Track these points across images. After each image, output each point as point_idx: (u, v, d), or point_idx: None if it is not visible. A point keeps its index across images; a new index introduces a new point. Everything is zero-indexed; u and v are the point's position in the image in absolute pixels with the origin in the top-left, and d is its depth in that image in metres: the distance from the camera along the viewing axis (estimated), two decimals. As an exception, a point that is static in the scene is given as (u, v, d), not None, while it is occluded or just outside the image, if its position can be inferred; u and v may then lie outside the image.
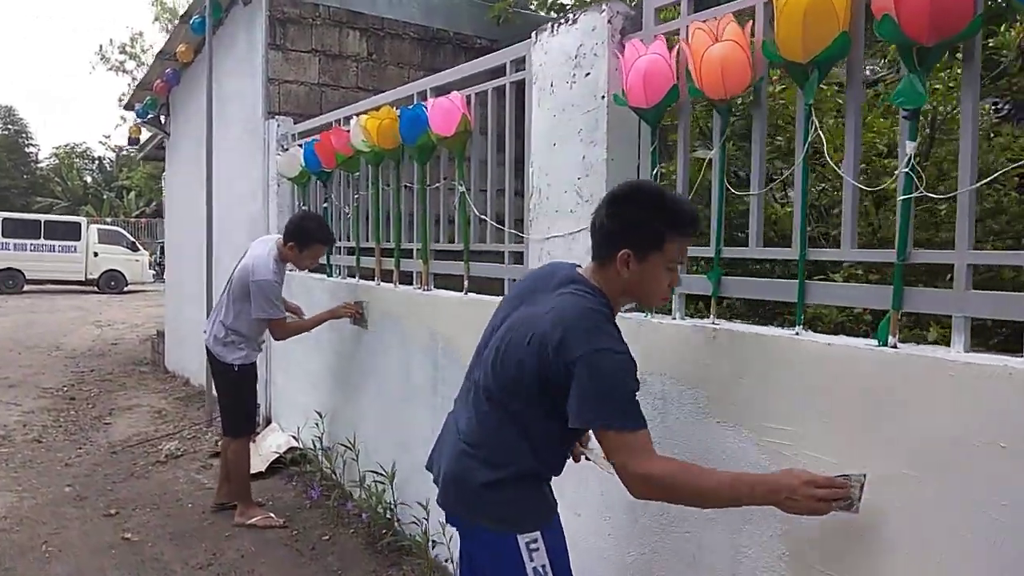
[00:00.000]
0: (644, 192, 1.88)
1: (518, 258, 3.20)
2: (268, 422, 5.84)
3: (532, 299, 1.97)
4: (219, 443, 5.36)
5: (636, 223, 1.83)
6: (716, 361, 2.17)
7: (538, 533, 1.95)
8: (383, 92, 6.31)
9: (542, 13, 6.53)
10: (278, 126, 5.63)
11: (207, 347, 4.12)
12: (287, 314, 4.23)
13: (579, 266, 2.04)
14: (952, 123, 2.92)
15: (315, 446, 4.71)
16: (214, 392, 4.50)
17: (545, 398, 1.86)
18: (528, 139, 2.99)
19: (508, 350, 1.91)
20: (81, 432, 6.25)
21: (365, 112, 4.13)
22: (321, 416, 4.73)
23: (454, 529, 2.14)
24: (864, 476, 1.67)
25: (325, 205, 4.92)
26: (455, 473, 2.01)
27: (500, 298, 3.28)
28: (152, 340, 10.35)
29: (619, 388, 1.75)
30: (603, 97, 2.58)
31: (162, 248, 25.98)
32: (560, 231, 2.78)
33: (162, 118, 8.81)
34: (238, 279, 4.01)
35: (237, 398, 4.15)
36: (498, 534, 1.96)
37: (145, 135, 9.79)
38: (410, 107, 3.65)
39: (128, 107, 9.31)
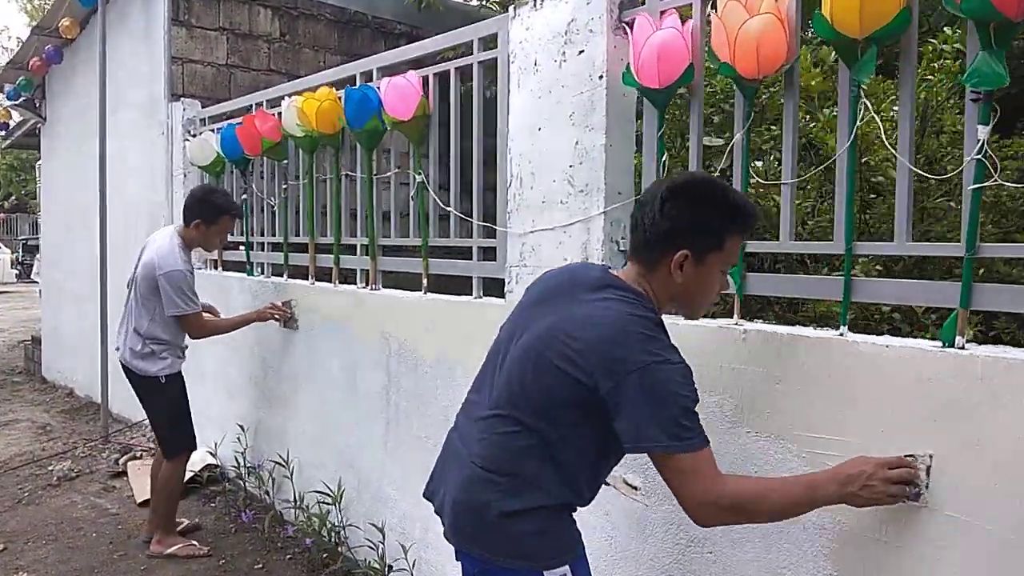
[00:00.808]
0: (704, 185, 1.66)
1: (489, 254, 2.94)
2: (175, 436, 5.30)
3: (556, 306, 1.72)
4: (121, 461, 4.83)
5: (697, 220, 1.61)
6: (746, 365, 1.99)
7: (567, 568, 1.71)
8: (297, 76, 5.92)
9: (472, 1, 6.24)
10: (184, 109, 5.11)
11: (123, 363, 3.63)
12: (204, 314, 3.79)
13: (610, 267, 1.80)
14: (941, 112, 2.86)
15: (237, 463, 4.27)
16: (127, 411, 3.96)
17: (584, 419, 1.63)
18: (502, 124, 2.72)
19: (537, 365, 1.66)
20: (-50, 454, 5.50)
21: (298, 93, 3.74)
22: (243, 429, 4.30)
23: (458, 564, 1.85)
24: (930, 456, 1.61)
25: (244, 196, 4.47)
26: (468, 502, 1.74)
27: (467, 298, 3.03)
28: (25, 347, 9.38)
29: (679, 403, 1.53)
30: (601, 77, 2.35)
31: (25, 245, 23.92)
32: (547, 224, 2.53)
33: (36, 101, 7.94)
34: (143, 277, 3.56)
35: (171, 413, 3.68)
36: (522, 572, 1.70)
37: (16, 118, 8.81)
38: (356, 88, 3.30)
39: (-6, 88, 8.37)
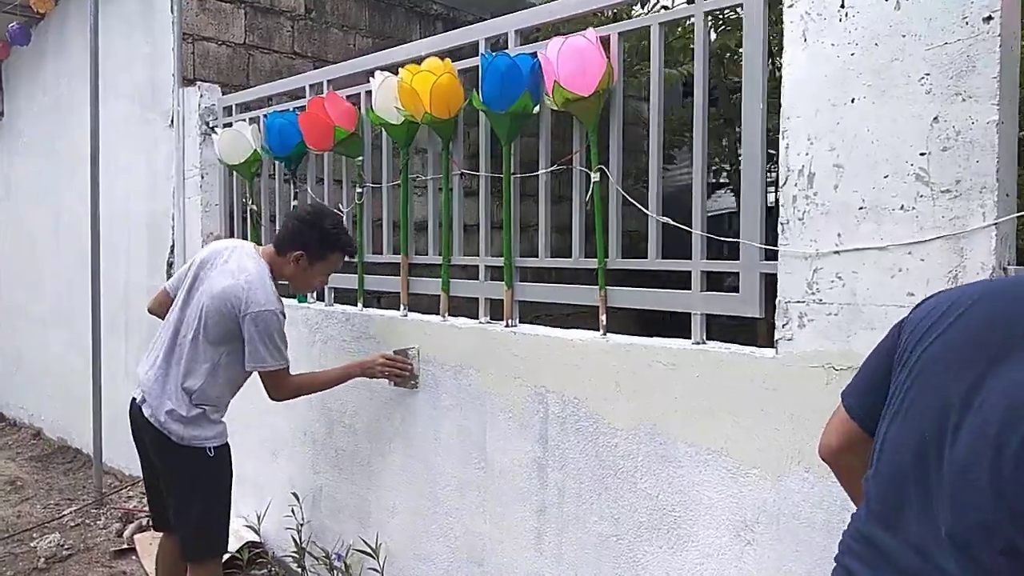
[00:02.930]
0: None
1: (713, 283, 2.10)
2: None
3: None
4: (126, 535, 3.84)
5: None
6: None
7: None
8: (324, 60, 5.00)
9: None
10: (202, 96, 4.14)
11: (152, 423, 2.62)
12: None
13: None
14: None
15: (296, 543, 3.32)
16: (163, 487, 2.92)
17: None
18: (782, 93, 1.89)
19: None
20: (-103, 524, 4.41)
21: (387, 69, 2.86)
22: (298, 500, 3.36)
23: None
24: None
25: (295, 203, 3.53)
26: None
27: (683, 344, 2.19)
28: (-26, 376, 8.16)
29: None
30: (988, 19, 1.54)
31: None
32: (871, 240, 1.70)
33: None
34: (215, 311, 2.57)
35: (212, 499, 2.69)
36: None
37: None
38: (500, 54, 2.42)
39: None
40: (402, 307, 2.99)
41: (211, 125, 4.12)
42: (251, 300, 2.54)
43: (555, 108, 2.35)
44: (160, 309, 2.81)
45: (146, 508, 4.19)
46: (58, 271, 5.84)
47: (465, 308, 2.84)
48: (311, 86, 3.43)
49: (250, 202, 3.79)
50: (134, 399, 2.69)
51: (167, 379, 2.60)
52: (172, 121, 4.34)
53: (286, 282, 2.75)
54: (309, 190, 3.49)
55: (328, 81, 3.32)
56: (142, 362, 2.75)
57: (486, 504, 2.62)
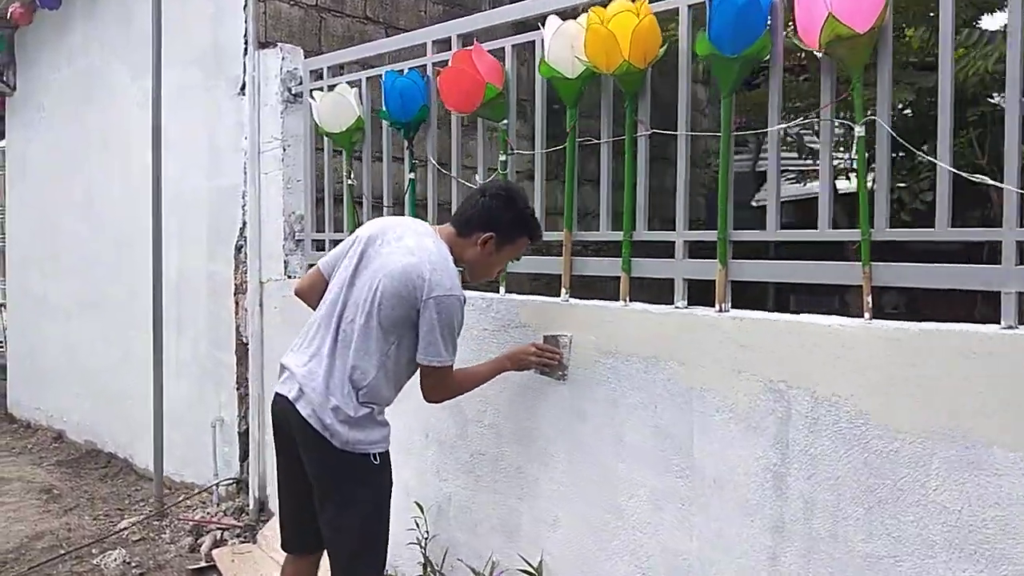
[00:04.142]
0: None
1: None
2: (261, 506, 3.89)
3: None
4: (203, 550, 3.43)
5: None
6: None
7: None
8: (395, 27, 4.59)
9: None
10: (284, 58, 3.71)
11: (308, 422, 2.17)
12: None
13: None
14: None
15: (427, 560, 2.91)
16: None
17: None
18: None
19: None
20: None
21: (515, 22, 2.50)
22: (421, 509, 2.96)
23: None
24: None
25: (412, 176, 3.13)
26: None
27: (982, 327, 1.84)
28: (-23, 374, 7.60)
29: None
30: None
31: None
32: None
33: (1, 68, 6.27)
34: (392, 294, 2.15)
35: (375, 512, 2.27)
36: None
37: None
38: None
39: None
40: (563, 291, 2.61)
41: (293, 91, 3.69)
42: (436, 283, 2.15)
43: (804, 50, 1.99)
44: (312, 291, 2.40)
45: (215, 518, 3.77)
46: (86, 257, 5.36)
47: (603, 288, 2.48)
48: (435, 42, 3.03)
49: (348, 177, 3.37)
50: (281, 395, 2.27)
51: (331, 372, 2.19)
52: (243, 88, 3.90)
53: (461, 267, 2.35)
54: (432, 158, 3.07)
55: (458, 36, 2.92)
56: (292, 351, 2.33)
57: (692, 518, 2.25)
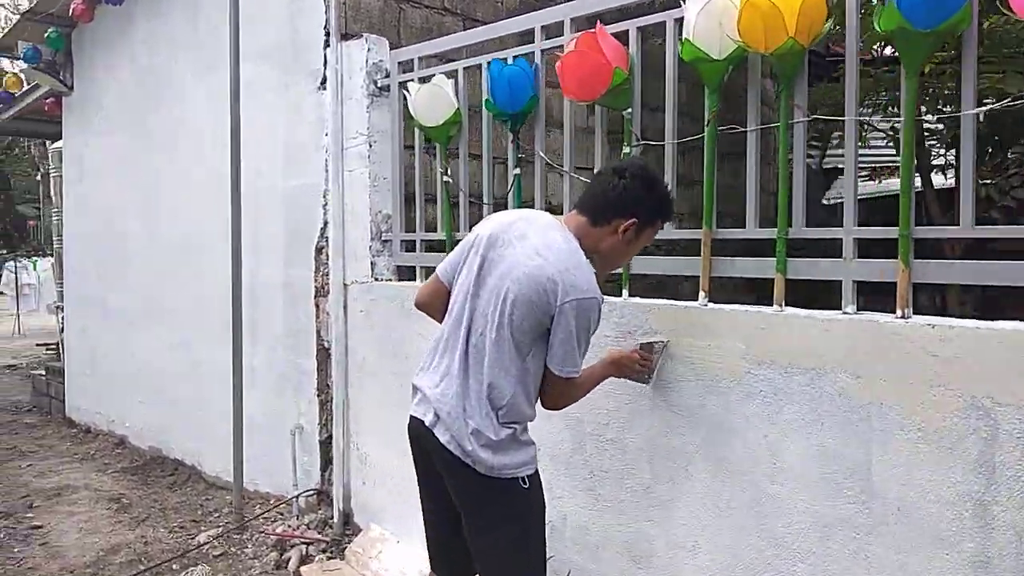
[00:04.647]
0: None
1: None
2: (345, 519, 3.70)
3: None
4: (291, 566, 3.25)
5: None
6: None
7: None
8: (474, 20, 4.39)
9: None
10: (369, 50, 3.51)
11: (447, 449, 1.97)
12: None
13: None
14: None
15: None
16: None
17: None
18: None
19: None
20: None
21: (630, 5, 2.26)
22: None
23: None
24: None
25: (516, 172, 2.92)
26: None
27: None
28: (33, 377, 7.55)
29: None
30: None
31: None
32: None
33: (58, 66, 6.16)
34: (523, 299, 1.93)
35: (528, 539, 2.04)
36: None
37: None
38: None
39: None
40: (702, 294, 2.38)
41: (379, 84, 3.50)
42: (570, 285, 1.92)
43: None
44: (434, 301, 2.19)
45: (298, 532, 3.60)
46: (151, 262, 5.23)
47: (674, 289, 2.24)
48: (543, 27, 2.81)
49: (445, 173, 3.17)
50: (417, 419, 2.07)
51: (466, 392, 1.98)
52: (323, 82, 3.72)
53: (589, 258, 2.12)
54: (542, 152, 2.86)
55: (571, 20, 2.71)
56: (423, 370, 2.13)
57: (870, 549, 2.01)
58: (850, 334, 2.03)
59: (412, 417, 2.10)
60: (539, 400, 2.08)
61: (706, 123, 2.33)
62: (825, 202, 7.37)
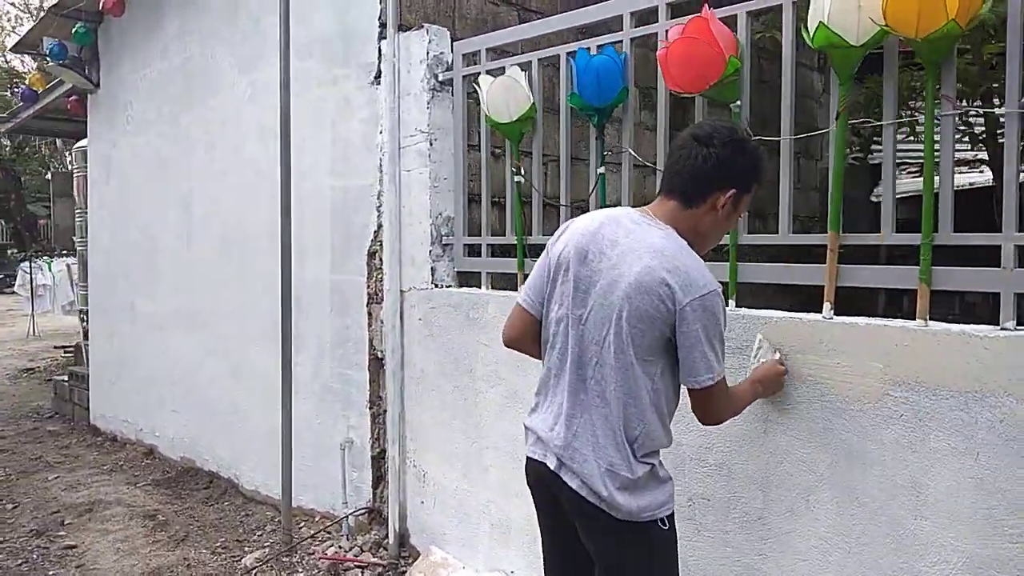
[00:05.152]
0: None
1: None
2: (401, 541, 3.48)
3: None
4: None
5: None
6: None
7: None
8: (529, 11, 4.17)
9: None
10: (430, 41, 3.30)
11: (579, 495, 1.74)
12: None
13: None
14: None
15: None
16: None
17: None
18: None
19: None
20: (31, 568, 3.61)
21: None
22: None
23: None
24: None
25: (601, 171, 2.70)
26: None
27: None
28: (55, 382, 7.36)
29: None
30: None
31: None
32: None
33: (85, 63, 5.97)
34: (638, 313, 1.71)
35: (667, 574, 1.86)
36: None
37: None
38: None
39: (22, 46, 6.41)
40: (826, 305, 2.15)
41: (440, 78, 3.29)
42: (686, 284, 1.69)
43: None
44: (526, 337, 1.97)
45: (351, 555, 3.38)
46: (184, 265, 5.02)
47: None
48: (632, 13, 2.59)
49: (517, 172, 2.95)
50: (538, 461, 1.85)
51: (593, 430, 1.75)
52: (377, 76, 3.50)
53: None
54: (627, 146, 2.64)
55: (667, 5, 2.48)
56: (534, 411, 1.92)
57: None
58: (1015, 352, 1.80)
59: (531, 459, 1.88)
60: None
61: (835, 116, 2.10)
62: (873, 199, 7.13)
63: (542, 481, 1.85)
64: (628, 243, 1.78)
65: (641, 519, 1.74)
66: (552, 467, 1.80)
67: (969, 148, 4.84)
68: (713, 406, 1.82)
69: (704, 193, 1.79)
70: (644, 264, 1.72)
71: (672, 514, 1.83)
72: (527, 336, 1.98)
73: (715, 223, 1.83)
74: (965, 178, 5.79)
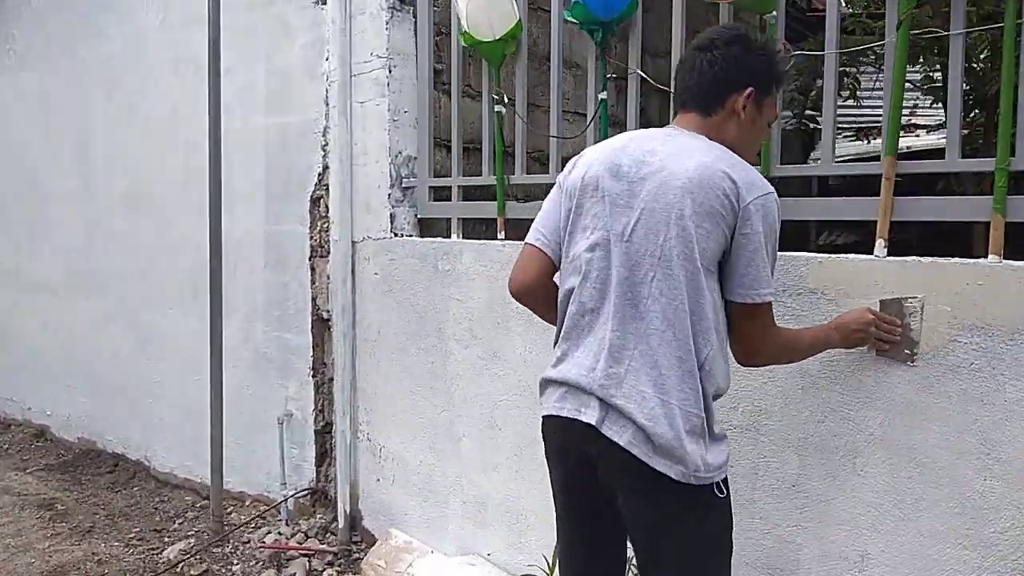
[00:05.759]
0: None
1: None
2: (352, 524, 3.08)
3: None
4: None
5: None
6: None
7: None
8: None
9: None
10: (391, -48, 2.87)
11: (626, 450, 1.42)
12: None
13: None
14: None
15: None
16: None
17: None
18: None
19: None
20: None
21: None
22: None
23: None
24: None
25: (603, 95, 2.36)
26: None
27: None
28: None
29: None
30: None
31: None
32: None
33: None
34: (704, 212, 1.43)
35: (725, 563, 1.55)
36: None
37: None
38: None
39: None
40: (879, 242, 1.90)
41: (401, -3, 2.87)
42: (748, 182, 1.47)
43: None
44: (542, 281, 1.68)
45: (296, 543, 2.98)
46: (81, 222, 4.40)
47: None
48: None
49: (500, 101, 2.59)
50: (566, 419, 1.51)
51: (653, 359, 1.44)
52: (320, -3, 3.05)
53: None
54: (636, 66, 2.31)
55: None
56: (560, 360, 1.58)
57: None
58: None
59: (555, 418, 1.54)
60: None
61: (896, 26, 1.83)
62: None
63: (571, 443, 1.53)
64: (668, 148, 1.53)
65: (702, 479, 1.44)
66: (591, 421, 1.47)
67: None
68: (762, 333, 1.55)
69: (720, 97, 1.57)
70: (698, 160, 1.47)
71: (727, 479, 1.54)
72: (542, 282, 1.68)
73: (741, 130, 1.60)
74: None
